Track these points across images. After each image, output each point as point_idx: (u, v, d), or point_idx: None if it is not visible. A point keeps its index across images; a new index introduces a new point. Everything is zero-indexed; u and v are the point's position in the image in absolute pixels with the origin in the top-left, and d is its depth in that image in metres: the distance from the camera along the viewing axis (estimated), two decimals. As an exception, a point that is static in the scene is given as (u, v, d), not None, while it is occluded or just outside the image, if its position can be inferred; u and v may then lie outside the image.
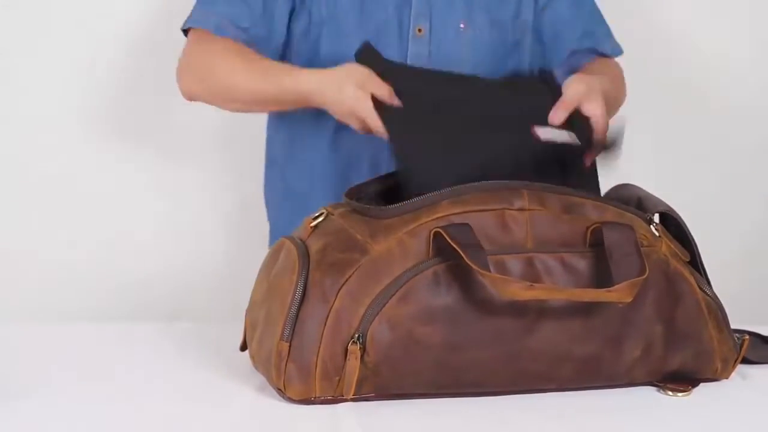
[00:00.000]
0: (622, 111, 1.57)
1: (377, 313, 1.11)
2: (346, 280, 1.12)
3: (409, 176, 1.23)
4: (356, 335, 1.11)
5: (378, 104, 1.32)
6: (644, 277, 1.13)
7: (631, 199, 1.26)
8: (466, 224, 1.13)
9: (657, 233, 1.20)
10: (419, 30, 1.55)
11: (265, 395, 1.16)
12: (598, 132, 1.33)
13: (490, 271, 1.10)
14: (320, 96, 1.40)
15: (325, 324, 1.11)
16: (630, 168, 1.60)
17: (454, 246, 1.10)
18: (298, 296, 1.12)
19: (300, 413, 1.11)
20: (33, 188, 1.88)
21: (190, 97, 1.56)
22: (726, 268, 1.49)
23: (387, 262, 1.12)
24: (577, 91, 1.34)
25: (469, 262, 1.09)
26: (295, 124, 1.61)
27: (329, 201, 1.23)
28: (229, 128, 1.92)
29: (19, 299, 1.85)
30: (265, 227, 1.72)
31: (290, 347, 1.11)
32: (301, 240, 1.18)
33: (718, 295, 1.23)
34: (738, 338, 1.23)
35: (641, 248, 1.16)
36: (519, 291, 1.09)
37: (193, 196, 1.91)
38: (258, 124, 1.72)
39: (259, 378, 1.18)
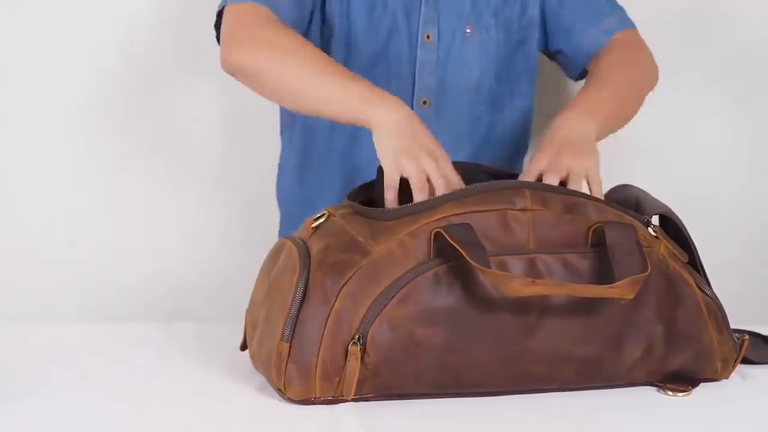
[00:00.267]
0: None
1: (378, 314, 1.11)
2: (347, 281, 1.12)
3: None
4: (357, 336, 1.11)
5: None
6: (647, 273, 1.13)
7: (630, 200, 1.26)
8: (467, 224, 1.13)
9: (655, 234, 1.20)
10: (428, 36, 1.55)
11: (265, 395, 1.16)
12: None
13: (491, 269, 1.10)
14: (380, 129, 1.27)
15: (326, 325, 1.11)
16: (629, 168, 1.60)
17: (455, 245, 1.10)
18: (298, 297, 1.12)
19: (300, 413, 1.11)
20: (33, 188, 1.88)
21: (231, 73, 1.42)
22: (726, 268, 1.49)
23: (388, 264, 1.12)
24: (538, 168, 1.29)
25: (469, 260, 1.09)
26: (308, 133, 1.61)
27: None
28: (230, 128, 1.91)
29: (19, 299, 1.85)
30: (265, 227, 1.72)
31: (290, 348, 1.12)
32: (302, 240, 1.18)
33: (718, 295, 1.23)
34: (738, 338, 1.23)
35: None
36: (520, 287, 1.09)
37: (194, 196, 1.90)
38: (259, 124, 1.72)
39: (259, 378, 1.18)
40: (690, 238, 1.24)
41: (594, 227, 1.17)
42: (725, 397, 1.19)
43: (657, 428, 1.12)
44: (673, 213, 1.25)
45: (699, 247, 1.25)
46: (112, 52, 1.86)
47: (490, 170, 1.32)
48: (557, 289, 1.13)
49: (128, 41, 1.86)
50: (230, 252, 1.91)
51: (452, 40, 1.56)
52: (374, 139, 1.27)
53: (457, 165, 1.32)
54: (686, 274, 1.20)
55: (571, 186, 1.26)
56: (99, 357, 1.29)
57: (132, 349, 1.32)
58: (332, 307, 1.11)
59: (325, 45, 1.55)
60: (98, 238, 1.90)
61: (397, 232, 1.14)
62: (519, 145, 1.64)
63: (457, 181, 1.24)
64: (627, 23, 1.61)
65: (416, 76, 1.54)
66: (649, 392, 1.19)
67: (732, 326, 1.23)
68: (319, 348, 1.11)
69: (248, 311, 1.23)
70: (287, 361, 1.12)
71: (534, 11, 1.60)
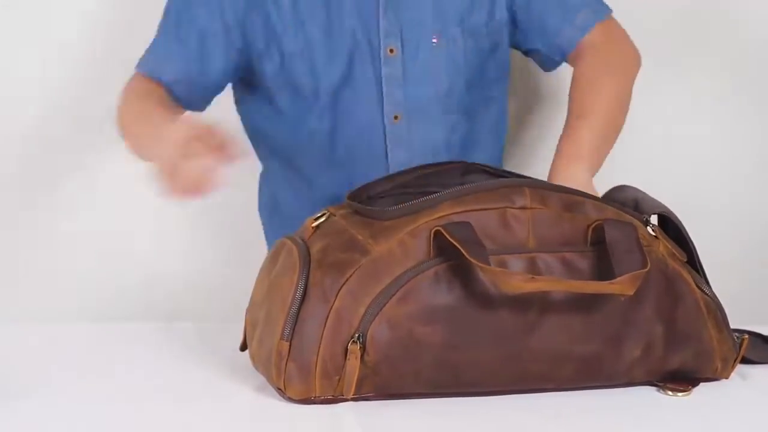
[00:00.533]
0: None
1: (377, 313, 1.11)
2: (347, 280, 1.12)
3: None
4: (356, 335, 1.11)
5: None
6: (646, 269, 1.13)
7: (629, 201, 1.26)
8: (467, 222, 1.13)
9: (654, 234, 1.20)
10: (391, 50, 1.52)
11: (265, 395, 1.16)
12: None
13: (490, 266, 1.10)
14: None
15: (326, 323, 1.11)
16: (628, 169, 1.60)
17: (454, 243, 1.10)
18: (298, 296, 1.12)
19: (300, 413, 1.11)
20: (33, 188, 1.88)
21: None
22: (726, 268, 1.49)
23: (388, 262, 1.12)
24: None
25: (469, 258, 1.09)
26: (273, 179, 1.63)
27: None
28: (232, 128, 1.91)
29: (19, 299, 1.85)
30: (265, 227, 1.72)
31: (290, 347, 1.12)
32: (302, 240, 1.18)
33: (718, 295, 1.23)
34: (737, 338, 1.23)
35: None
36: (520, 283, 1.09)
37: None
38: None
39: (259, 378, 1.18)
40: (689, 237, 1.24)
41: (594, 225, 1.17)
42: (725, 397, 1.19)
43: (657, 428, 1.12)
44: (672, 213, 1.25)
45: (698, 247, 1.25)
46: (113, 54, 1.86)
47: (490, 169, 1.32)
48: (557, 285, 1.13)
49: (130, 43, 1.86)
50: (230, 252, 1.91)
51: (417, 52, 1.53)
52: None
53: (456, 165, 1.32)
54: (685, 274, 1.20)
55: None
56: (99, 357, 1.29)
57: (132, 349, 1.32)
58: (332, 306, 1.11)
59: (288, 77, 1.53)
60: (98, 238, 1.90)
61: (397, 231, 1.14)
62: (496, 146, 1.64)
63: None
64: (601, 13, 1.58)
65: (384, 91, 1.52)
66: (648, 392, 1.19)
67: (732, 326, 1.23)
68: (319, 347, 1.11)
69: (248, 311, 1.23)
70: (287, 360, 1.12)
71: (502, 14, 1.57)
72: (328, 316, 1.11)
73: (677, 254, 1.21)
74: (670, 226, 1.25)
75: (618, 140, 1.52)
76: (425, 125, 1.54)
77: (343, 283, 1.12)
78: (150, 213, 1.90)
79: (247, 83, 1.58)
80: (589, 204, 1.19)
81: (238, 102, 1.63)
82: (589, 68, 1.54)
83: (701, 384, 1.20)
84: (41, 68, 1.86)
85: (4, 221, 1.88)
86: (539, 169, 1.50)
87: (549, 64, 1.61)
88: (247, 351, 1.22)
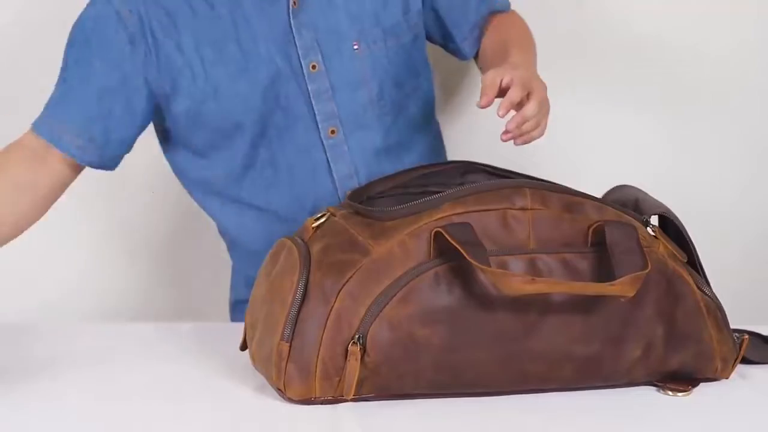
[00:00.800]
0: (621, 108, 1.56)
1: (378, 314, 1.11)
2: (347, 281, 1.12)
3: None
4: (356, 336, 1.11)
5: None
6: (647, 271, 1.13)
7: (629, 201, 1.26)
8: (467, 224, 1.13)
9: (654, 234, 1.20)
10: (313, 66, 1.47)
11: (265, 395, 1.16)
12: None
13: (490, 267, 1.10)
14: None
15: (326, 324, 1.11)
16: (628, 169, 1.60)
17: (455, 244, 1.10)
18: (298, 296, 1.12)
19: (300, 413, 1.11)
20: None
21: None
22: (726, 268, 1.49)
23: (388, 263, 1.12)
24: (497, 73, 1.31)
25: (469, 259, 1.09)
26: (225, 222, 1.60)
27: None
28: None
29: (19, 299, 1.85)
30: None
31: (290, 347, 1.12)
32: (302, 240, 1.18)
33: (718, 295, 1.23)
34: (737, 338, 1.23)
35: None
36: (520, 285, 1.09)
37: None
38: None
39: (259, 378, 1.18)
40: (689, 238, 1.24)
41: (594, 227, 1.17)
42: (725, 397, 1.19)
43: (657, 428, 1.12)
44: (672, 213, 1.25)
45: (699, 248, 1.25)
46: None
47: (490, 169, 1.32)
48: (557, 287, 1.13)
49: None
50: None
51: (340, 62, 1.49)
52: None
53: (456, 164, 1.32)
54: (686, 274, 1.20)
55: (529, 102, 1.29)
56: (99, 357, 1.29)
57: (132, 349, 1.32)
58: (332, 307, 1.11)
59: (202, 119, 1.47)
60: (98, 237, 1.90)
61: (397, 232, 1.14)
62: (429, 135, 1.61)
63: None
64: (506, 4, 1.63)
65: (314, 108, 1.48)
66: (648, 392, 1.19)
67: (732, 326, 1.23)
68: (319, 348, 1.11)
69: (248, 311, 1.23)
70: (287, 361, 1.12)
71: (416, 5, 1.54)
72: (328, 317, 1.11)
73: (677, 255, 1.21)
74: (671, 227, 1.25)
75: (618, 140, 1.52)
76: (362, 133, 1.51)
77: (344, 284, 1.12)
78: (150, 213, 1.90)
79: (164, 131, 1.53)
80: (589, 205, 1.19)
81: (166, 153, 1.58)
82: (493, 26, 1.60)
83: (701, 384, 1.20)
84: (42, 67, 1.86)
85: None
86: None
87: (463, 50, 1.62)
88: (247, 351, 1.22)
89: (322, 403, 1.12)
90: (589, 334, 1.15)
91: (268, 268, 1.21)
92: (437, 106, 1.65)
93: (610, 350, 1.16)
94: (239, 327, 1.25)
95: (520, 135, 1.30)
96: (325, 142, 1.48)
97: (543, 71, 1.43)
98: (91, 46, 1.44)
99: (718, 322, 1.21)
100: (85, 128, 1.44)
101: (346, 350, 1.11)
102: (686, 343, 1.19)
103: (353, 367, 1.11)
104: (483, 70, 1.56)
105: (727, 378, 1.23)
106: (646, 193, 1.28)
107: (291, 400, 1.13)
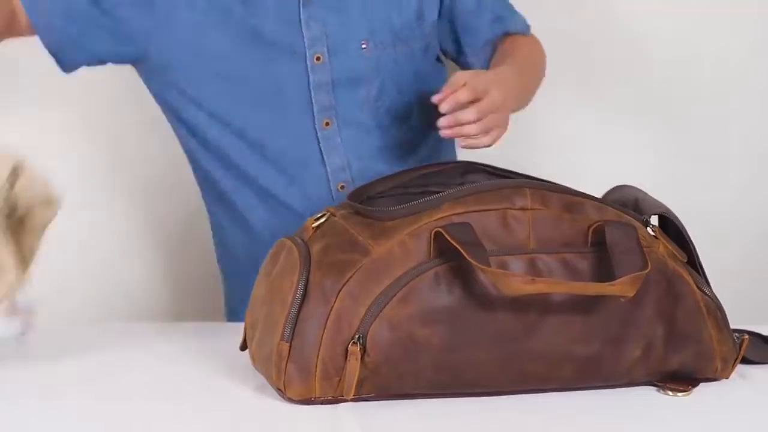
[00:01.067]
0: (625, 107, 1.56)
1: (378, 314, 1.11)
2: (347, 281, 1.12)
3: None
4: (356, 336, 1.11)
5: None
6: (647, 271, 1.13)
7: (629, 201, 1.26)
8: (467, 224, 1.13)
9: (654, 234, 1.20)
10: (317, 58, 1.50)
11: (265, 395, 1.16)
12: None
13: (490, 267, 1.10)
14: None
15: (326, 324, 1.11)
16: (628, 169, 1.60)
17: (455, 244, 1.10)
18: (298, 296, 1.12)
19: (300, 413, 1.11)
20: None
21: None
22: (726, 268, 1.49)
23: (388, 263, 1.12)
24: (462, 75, 1.36)
25: (469, 259, 1.09)
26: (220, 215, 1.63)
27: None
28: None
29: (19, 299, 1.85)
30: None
31: (290, 347, 1.12)
32: (302, 240, 1.18)
33: (718, 295, 1.23)
34: (738, 338, 1.23)
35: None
36: (520, 285, 1.09)
37: (195, 195, 1.90)
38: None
39: (259, 378, 1.18)
40: (689, 238, 1.24)
41: (594, 227, 1.17)
42: (725, 397, 1.19)
43: (657, 428, 1.12)
44: (672, 213, 1.25)
45: (699, 248, 1.25)
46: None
47: (490, 169, 1.32)
48: (557, 287, 1.13)
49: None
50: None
51: (346, 58, 1.51)
52: None
53: (457, 164, 1.32)
54: (686, 274, 1.20)
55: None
56: (99, 357, 1.29)
57: (132, 349, 1.32)
58: (332, 307, 1.11)
59: (215, 94, 1.51)
60: (98, 237, 1.90)
61: (397, 232, 1.14)
62: (437, 145, 1.61)
63: None
64: (525, 27, 1.64)
65: (313, 99, 1.51)
66: (648, 392, 1.19)
67: (732, 326, 1.23)
68: (319, 348, 1.11)
69: (248, 311, 1.23)
70: (287, 361, 1.12)
71: (432, 15, 1.56)
72: (328, 317, 1.11)
73: (677, 255, 1.21)
74: (671, 227, 1.25)
75: (618, 140, 1.52)
76: (356, 131, 1.52)
77: (344, 284, 1.12)
78: (150, 213, 1.90)
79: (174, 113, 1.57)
80: (589, 205, 1.19)
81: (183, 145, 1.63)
82: (504, 47, 1.61)
83: (701, 384, 1.20)
84: (42, 67, 1.86)
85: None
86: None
87: (473, 66, 1.63)
88: (247, 351, 1.22)
89: (322, 403, 1.12)
90: (589, 334, 1.15)
91: (268, 268, 1.21)
92: None
93: (610, 350, 1.16)
94: (239, 327, 1.25)
95: (459, 134, 1.37)
96: (319, 132, 1.49)
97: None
98: None
99: (718, 322, 1.21)
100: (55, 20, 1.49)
101: (346, 350, 1.11)
102: (686, 343, 1.19)
103: (353, 367, 1.11)
104: None
105: (727, 378, 1.23)
106: (646, 193, 1.28)
107: (291, 400, 1.13)
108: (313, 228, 1.19)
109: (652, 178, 1.49)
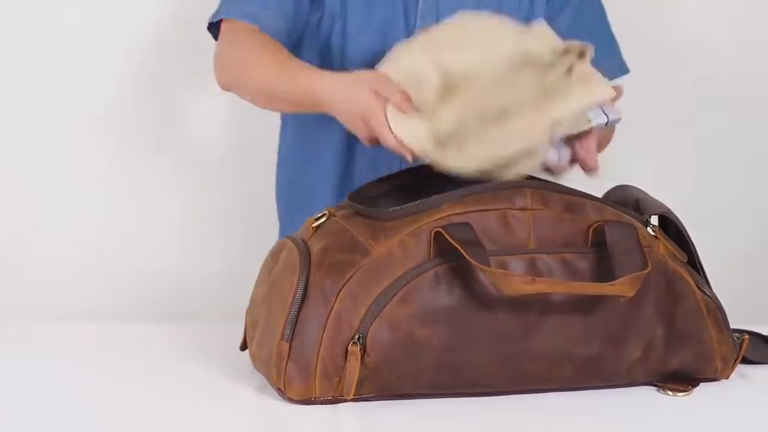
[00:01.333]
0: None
1: (378, 314, 1.11)
2: (347, 281, 1.12)
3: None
4: (356, 336, 1.11)
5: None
6: (647, 271, 1.13)
7: (630, 201, 1.26)
8: (467, 224, 1.13)
9: (654, 234, 1.20)
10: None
11: (265, 395, 1.16)
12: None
13: (490, 267, 1.10)
14: (329, 95, 1.31)
15: (326, 324, 1.11)
16: (628, 169, 1.60)
17: (455, 244, 1.10)
18: (298, 296, 1.12)
19: (300, 413, 1.11)
20: (33, 188, 1.88)
21: (225, 89, 1.50)
22: (726, 268, 1.49)
23: (388, 263, 1.12)
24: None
25: (469, 259, 1.09)
26: (306, 127, 1.60)
27: (333, 202, 1.22)
28: (232, 129, 1.92)
29: (19, 299, 1.85)
30: (265, 227, 1.72)
31: (290, 347, 1.12)
32: (302, 240, 1.18)
33: (718, 295, 1.23)
34: (738, 338, 1.23)
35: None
36: (520, 285, 1.09)
37: (195, 196, 1.91)
38: (263, 125, 1.72)
39: (259, 378, 1.18)
40: (689, 238, 1.24)
41: (594, 227, 1.17)
42: (725, 397, 1.19)
43: (657, 428, 1.12)
44: (673, 213, 1.25)
45: (699, 248, 1.25)
46: (116, 51, 1.86)
47: None
48: (557, 287, 1.13)
49: (134, 40, 1.86)
50: (230, 252, 1.91)
51: None
52: (331, 113, 1.31)
53: None
54: (686, 274, 1.20)
55: None
56: (99, 357, 1.29)
57: (132, 349, 1.32)
58: (332, 307, 1.11)
59: (325, 34, 1.54)
60: (98, 237, 1.90)
61: (397, 232, 1.14)
62: None
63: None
64: (618, 72, 1.61)
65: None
66: (648, 392, 1.19)
67: (732, 326, 1.23)
68: (319, 348, 1.11)
69: (248, 311, 1.23)
70: (287, 361, 1.12)
71: (539, 17, 1.56)
72: (328, 317, 1.11)
73: (678, 255, 1.21)
74: (671, 227, 1.25)
75: (618, 140, 1.52)
76: None
77: (344, 284, 1.12)
78: (150, 213, 1.90)
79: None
80: (589, 205, 1.19)
81: None
82: None
83: (701, 384, 1.21)
84: (43, 67, 1.86)
85: (4, 221, 1.88)
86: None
87: None
88: (247, 351, 1.22)
89: (322, 403, 1.12)
90: (589, 334, 1.15)
91: (268, 267, 1.21)
92: None
93: (610, 350, 1.16)
94: (239, 327, 1.25)
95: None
96: None
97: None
98: None
99: (718, 322, 1.21)
100: (279, 12, 1.49)
101: (346, 350, 1.11)
102: (686, 343, 1.19)
103: (353, 367, 1.11)
104: None
105: (727, 378, 1.23)
106: (646, 193, 1.28)
107: (291, 400, 1.13)
108: (313, 228, 1.19)
109: (652, 178, 1.49)
